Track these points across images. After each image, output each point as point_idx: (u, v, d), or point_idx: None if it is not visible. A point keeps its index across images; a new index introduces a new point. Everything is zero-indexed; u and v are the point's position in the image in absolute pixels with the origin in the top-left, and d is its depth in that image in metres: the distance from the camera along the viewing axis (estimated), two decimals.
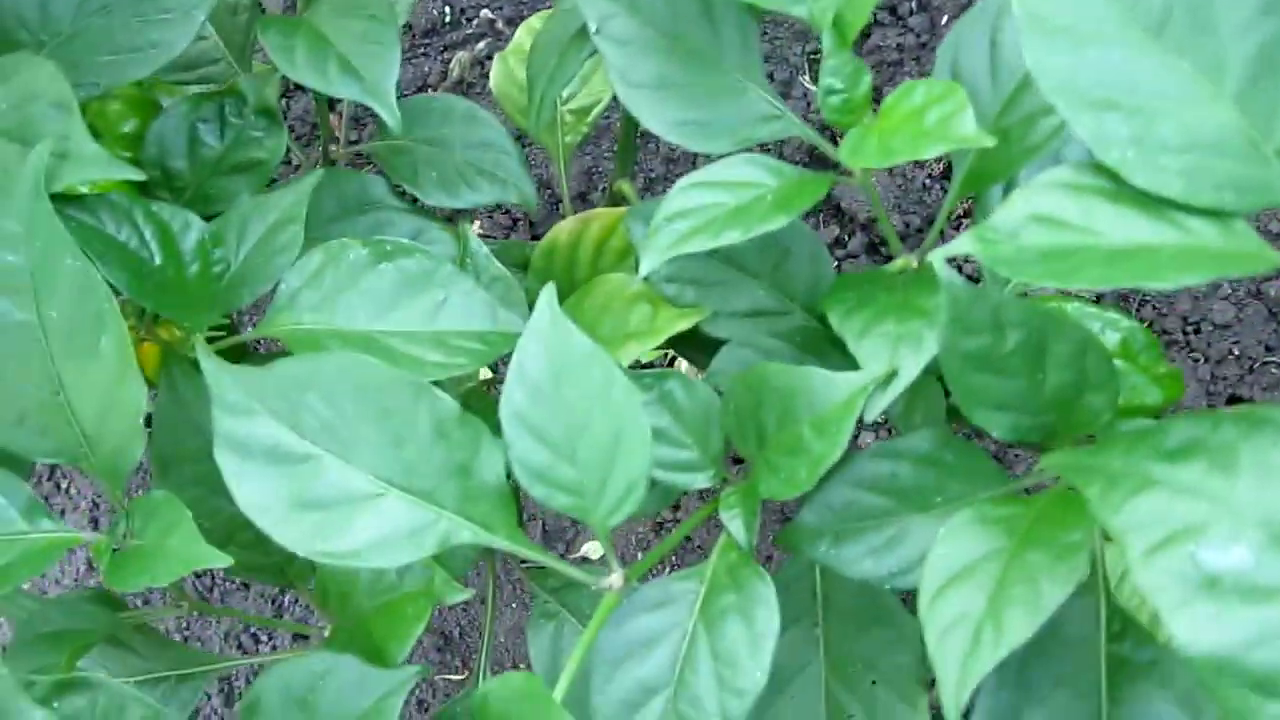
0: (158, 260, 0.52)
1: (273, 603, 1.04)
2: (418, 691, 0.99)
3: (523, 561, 0.64)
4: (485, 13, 1.16)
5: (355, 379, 0.42)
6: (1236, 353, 0.94)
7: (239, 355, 0.58)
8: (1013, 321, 0.41)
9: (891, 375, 0.43)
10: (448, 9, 1.17)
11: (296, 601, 1.03)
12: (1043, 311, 0.41)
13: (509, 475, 0.43)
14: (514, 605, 0.96)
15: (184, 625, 1.05)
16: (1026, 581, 0.38)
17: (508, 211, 1.03)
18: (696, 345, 0.54)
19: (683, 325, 0.53)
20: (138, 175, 0.48)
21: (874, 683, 0.51)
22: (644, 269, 0.45)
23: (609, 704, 0.44)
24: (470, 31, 1.15)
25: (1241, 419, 0.34)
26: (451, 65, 1.14)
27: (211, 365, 0.43)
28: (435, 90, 1.13)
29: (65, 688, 0.44)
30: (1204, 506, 0.33)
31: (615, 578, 0.44)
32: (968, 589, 0.39)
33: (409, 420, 0.42)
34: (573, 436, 0.42)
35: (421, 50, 1.14)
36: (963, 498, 0.44)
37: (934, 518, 0.45)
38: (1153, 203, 0.38)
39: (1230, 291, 0.95)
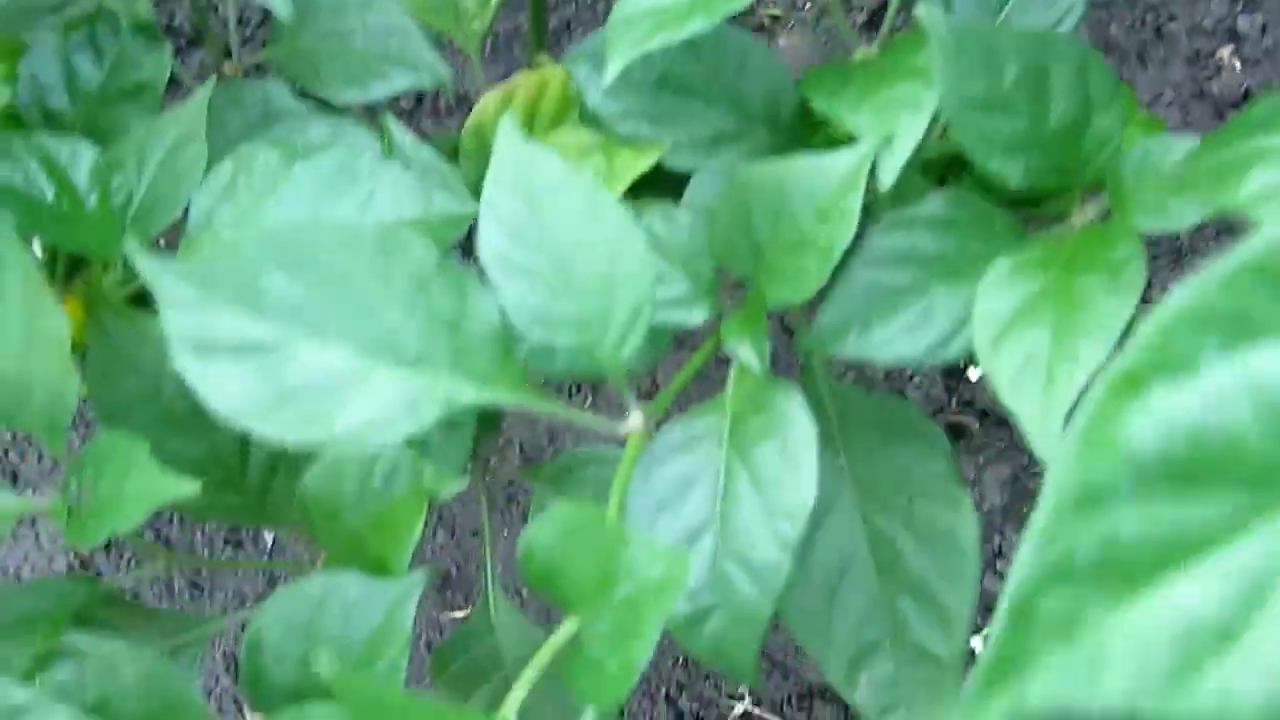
0: (49, 196, 0.46)
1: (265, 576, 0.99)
2: (424, 635, 0.94)
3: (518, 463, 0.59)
4: None
5: (315, 247, 0.37)
6: None
7: None
8: (1008, 53, 0.39)
9: (890, 140, 0.40)
10: None
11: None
12: (1036, 37, 0.39)
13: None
14: (507, 533, 0.93)
15: (175, 605, 1.00)
16: (1086, 307, 0.35)
17: (427, 109, 0.99)
18: (661, 190, 0.50)
19: (643, 165, 0.49)
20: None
21: (910, 499, 0.48)
22: (610, 73, 0.41)
23: None
24: None
25: None
26: None
27: (152, 264, 0.37)
28: None
29: (48, 659, 0.39)
30: None
31: (636, 419, 0.41)
32: (1028, 330, 0.37)
33: (383, 281, 0.37)
34: (565, 267, 0.38)
35: None
36: (988, 258, 0.41)
37: (962, 284, 0.42)
38: None
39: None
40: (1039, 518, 0.19)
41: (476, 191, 0.42)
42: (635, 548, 0.28)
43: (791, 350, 0.88)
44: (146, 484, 0.39)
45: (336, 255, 0.37)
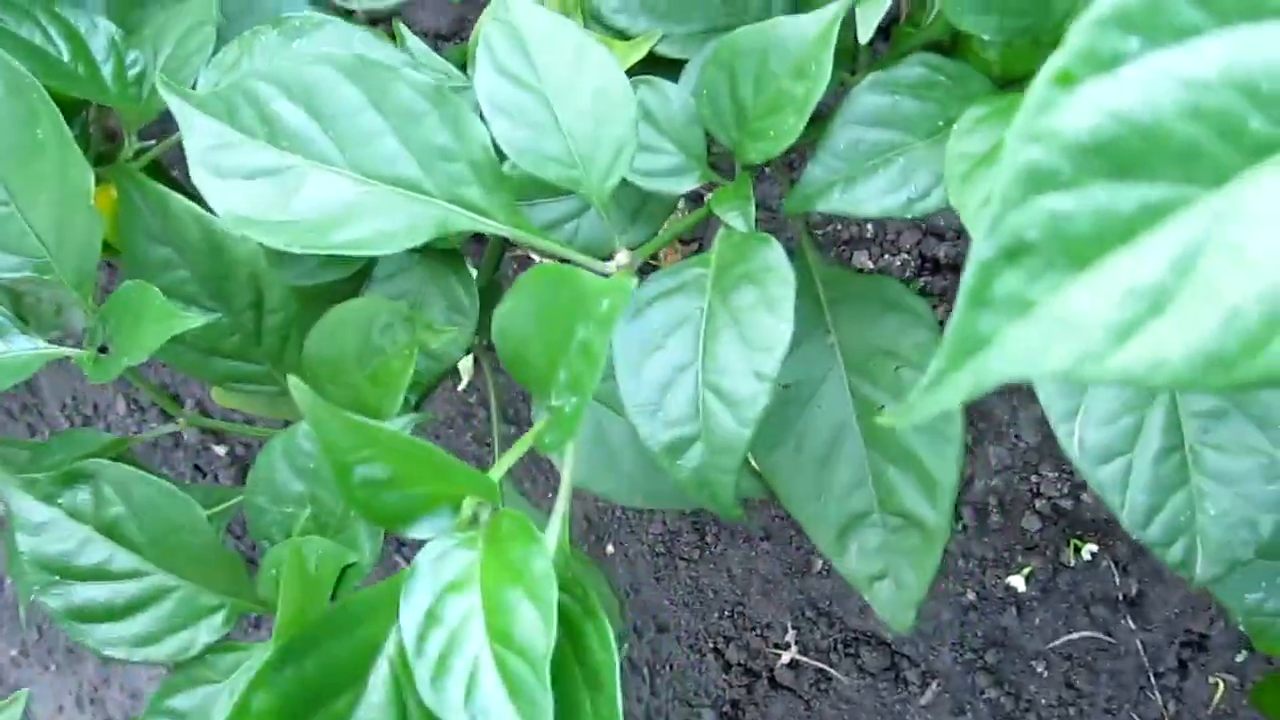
0: (66, 58, 0.49)
1: None
2: None
3: None
4: None
5: (320, 80, 0.40)
6: None
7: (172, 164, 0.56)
8: None
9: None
10: None
11: None
12: None
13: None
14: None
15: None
16: None
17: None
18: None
19: (638, 54, 0.51)
20: None
21: (897, 369, 0.50)
22: None
23: (640, 390, 0.43)
24: None
25: None
26: None
27: (175, 99, 0.41)
28: None
29: (69, 479, 0.42)
30: None
31: (623, 256, 0.43)
32: (994, 168, 0.39)
33: (382, 112, 0.40)
34: (553, 106, 0.41)
35: None
36: None
37: (941, 142, 0.44)
38: None
39: None
40: (989, 209, 0.21)
41: None
42: (585, 281, 0.30)
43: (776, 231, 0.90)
44: (160, 319, 0.42)
45: (340, 88, 0.40)
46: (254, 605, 0.43)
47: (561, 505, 0.34)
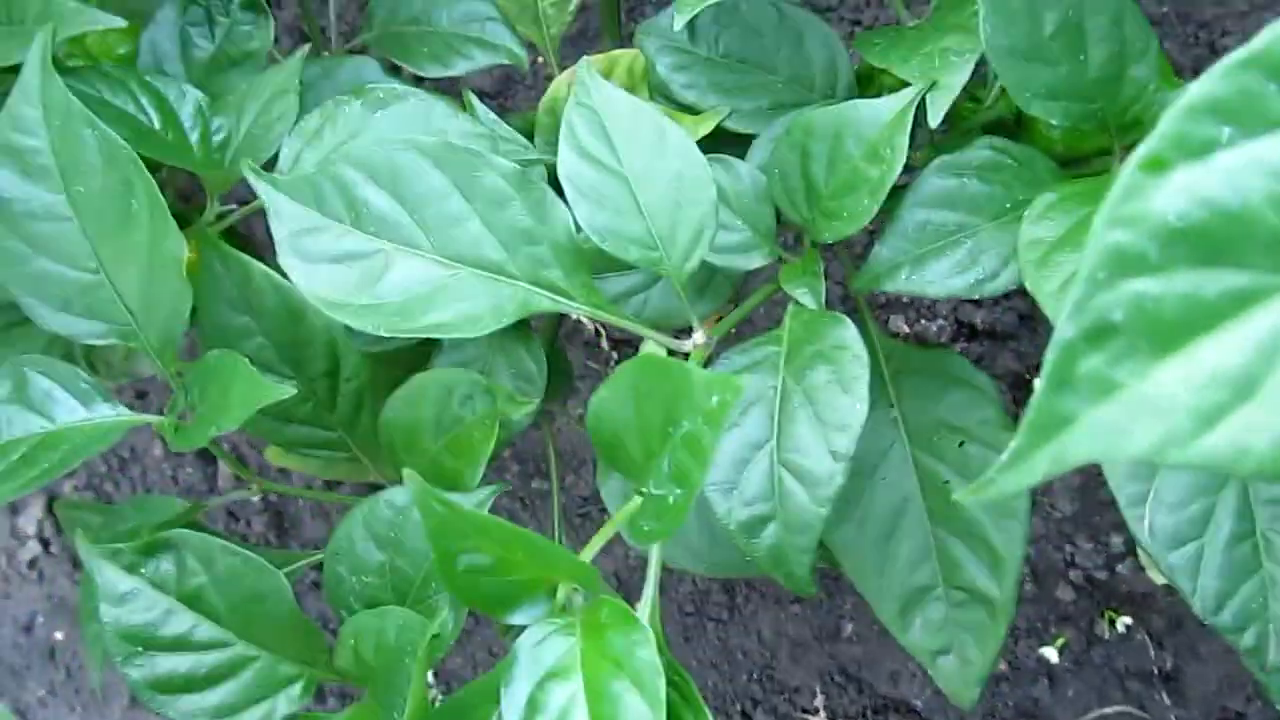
0: (156, 125, 0.51)
1: None
2: None
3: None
4: None
5: (406, 166, 0.41)
6: None
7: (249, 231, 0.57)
8: (1048, 4, 0.42)
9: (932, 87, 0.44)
10: None
11: None
12: None
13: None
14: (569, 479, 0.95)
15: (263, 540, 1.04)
16: None
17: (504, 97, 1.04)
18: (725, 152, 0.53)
19: (705, 129, 0.52)
20: (121, 23, 0.48)
21: (961, 444, 0.50)
22: (678, 23, 0.45)
23: (717, 470, 0.43)
24: None
25: None
26: None
27: (263, 184, 0.42)
28: None
29: (151, 549, 0.43)
30: None
31: (699, 336, 0.44)
32: (1069, 254, 0.40)
33: (467, 196, 0.41)
34: (634, 189, 0.42)
35: None
36: (1033, 200, 0.44)
37: (1008, 224, 0.45)
38: None
39: None
40: (1074, 290, 0.22)
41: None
42: (694, 376, 0.30)
43: (846, 304, 0.90)
44: (248, 389, 0.43)
45: (427, 174, 0.41)
46: (331, 675, 0.44)
47: (650, 591, 0.35)
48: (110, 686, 1.13)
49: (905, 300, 0.99)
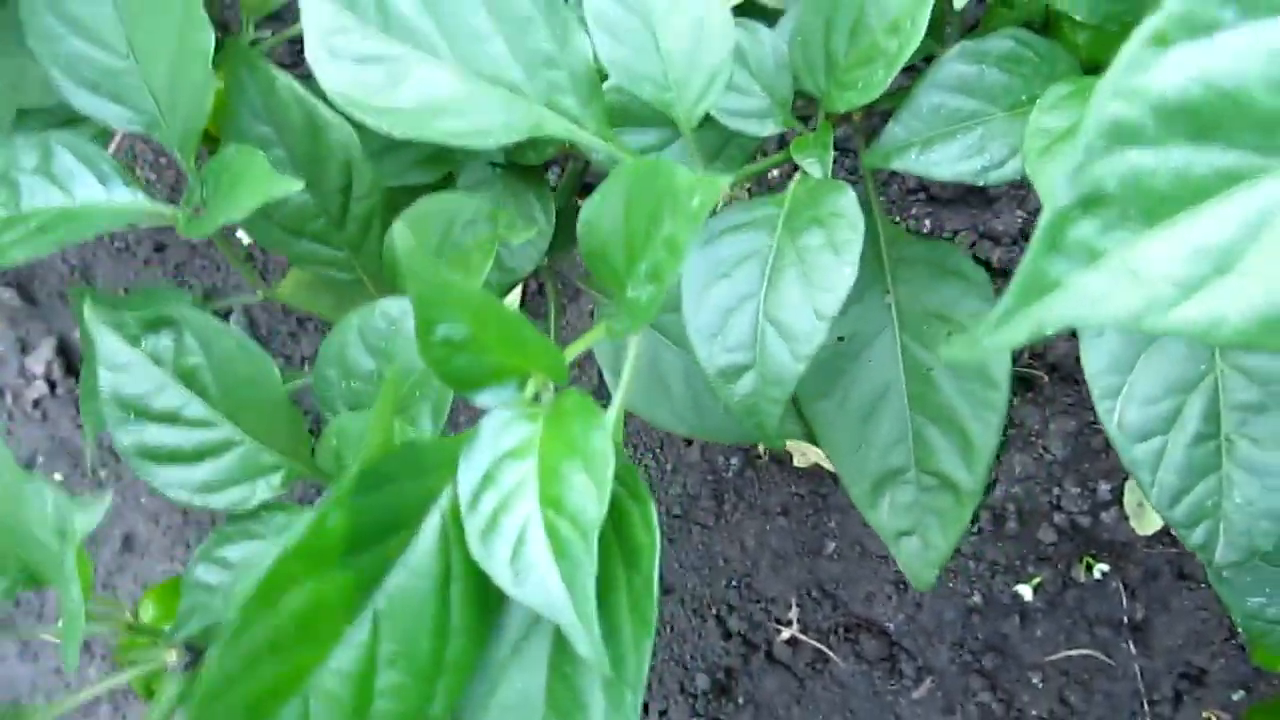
0: None
1: None
2: None
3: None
4: None
5: None
6: None
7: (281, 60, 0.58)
8: None
9: None
10: None
11: None
12: None
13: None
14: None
15: None
16: None
17: None
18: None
19: None
20: None
21: (949, 334, 0.51)
22: None
23: (702, 314, 0.44)
24: None
25: None
26: None
27: None
28: None
29: (154, 324, 0.44)
30: None
31: None
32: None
33: (496, 11, 0.42)
34: (655, 28, 0.43)
35: None
36: None
37: (1022, 116, 0.45)
38: None
39: None
40: (1071, 154, 0.22)
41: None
42: (679, 175, 0.31)
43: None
44: (259, 180, 0.44)
45: None
46: (311, 470, 0.45)
47: (619, 397, 0.36)
48: (101, 531, 1.16)
49: (924, 231, 1.00)
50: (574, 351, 0.35)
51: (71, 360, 1.17)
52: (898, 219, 1.00)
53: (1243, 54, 0.21)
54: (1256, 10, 0.21)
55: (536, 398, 0.35)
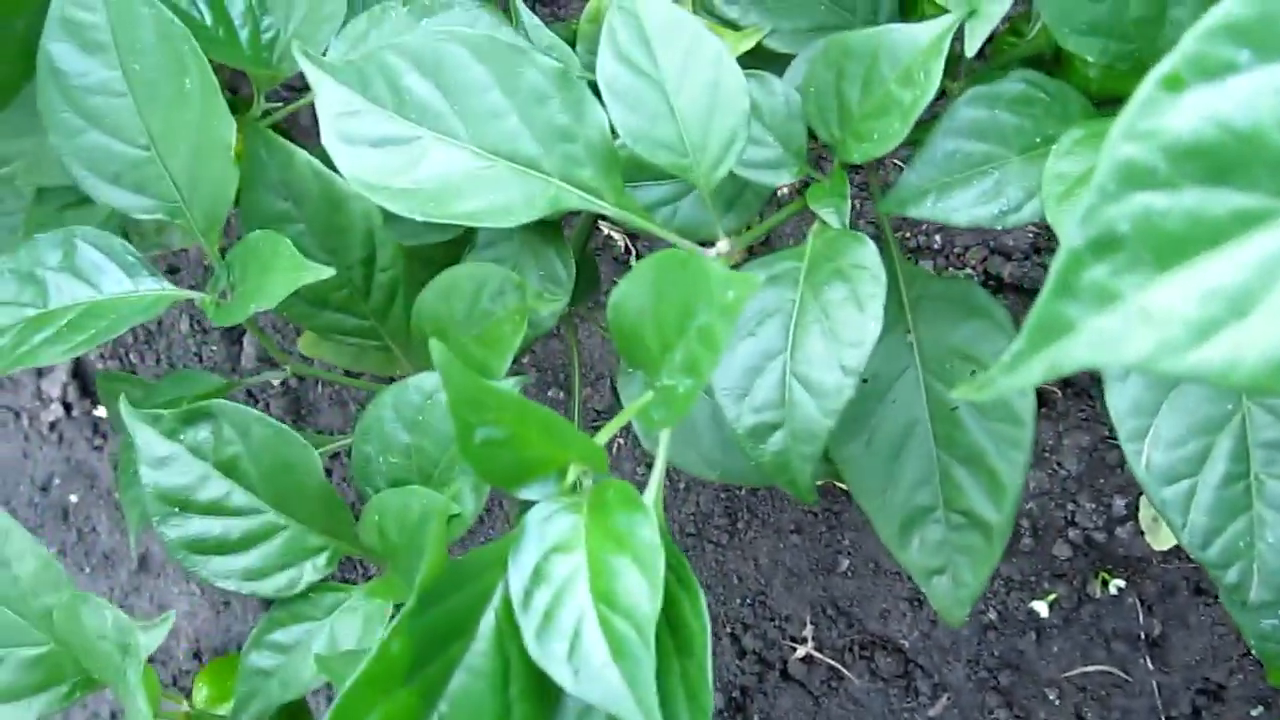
0: (208, 21, 0.52)
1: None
2: None
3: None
4: None
5: (450, 57, 0.42)
6: None
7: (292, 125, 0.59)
8: None
9: (973, 14, 0.44)
10: None
11: None
12: None
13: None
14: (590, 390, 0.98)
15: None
16: None
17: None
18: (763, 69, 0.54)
19: (746, 45, 0.53)
20: None
21: (973, 372, 0.52)
22: None
23: (729, 375, 0.45)
24: None
25: None
26: None
27: (311, 66, 0.43)
28: None
29: (191, 417, 0.45)
30: None
31: (724, 244, 0.45)
32: None
33: (507, 91, 0.42)
34: (669, 95, 0.43)
35: None
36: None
37: (1037, 159, 0.45)
38: None
39: None
40: (1084, 200, 0.22)
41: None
42: (712, 270, 0.32)
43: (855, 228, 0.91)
44: (289, 268, 0.45)
45: (469, 66, 0.42)
46: (355, 548, 0.46)
47: (657, 476, 0.36)
48: (118, 551, 1.17)
49: (935, 247, 1.00)
50: (605, 436, 0.36)
51: (87, 383, 1.18)
52: (908, 235, 1.00)
53: (1257, 96, 0.21)
54: (1271, 53, 0.21)
55: (576, 486, 0.35)
